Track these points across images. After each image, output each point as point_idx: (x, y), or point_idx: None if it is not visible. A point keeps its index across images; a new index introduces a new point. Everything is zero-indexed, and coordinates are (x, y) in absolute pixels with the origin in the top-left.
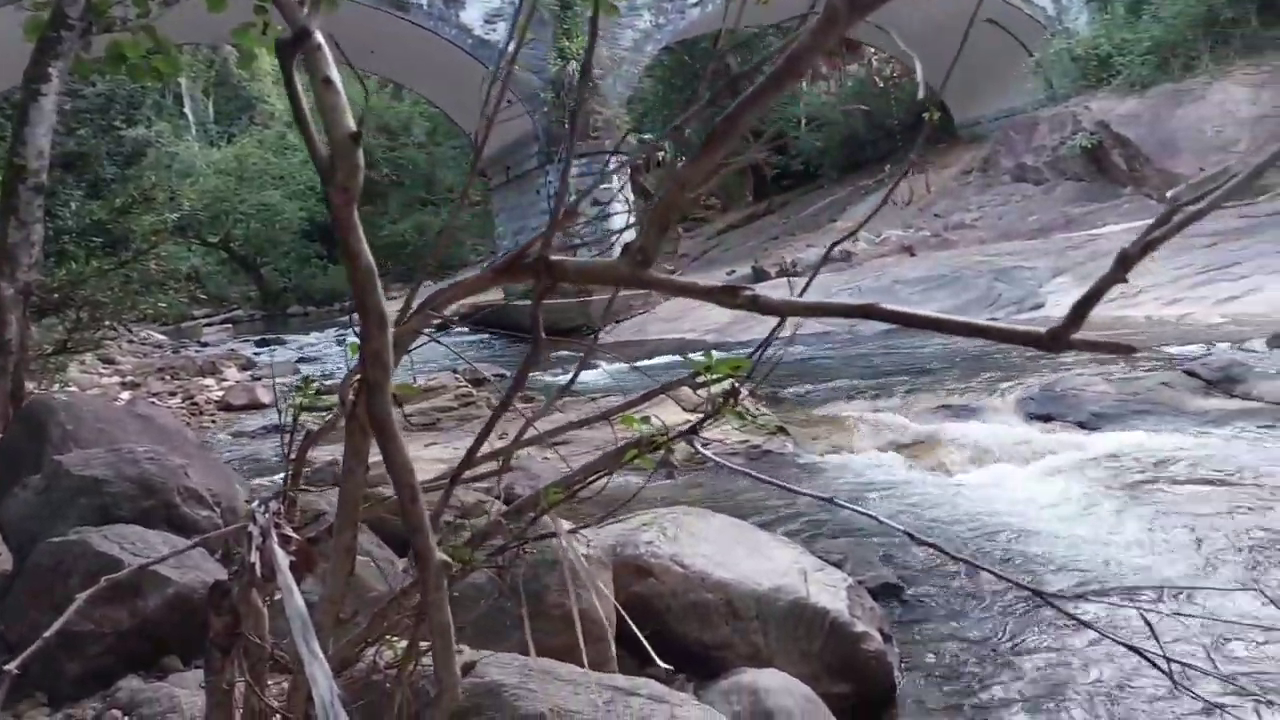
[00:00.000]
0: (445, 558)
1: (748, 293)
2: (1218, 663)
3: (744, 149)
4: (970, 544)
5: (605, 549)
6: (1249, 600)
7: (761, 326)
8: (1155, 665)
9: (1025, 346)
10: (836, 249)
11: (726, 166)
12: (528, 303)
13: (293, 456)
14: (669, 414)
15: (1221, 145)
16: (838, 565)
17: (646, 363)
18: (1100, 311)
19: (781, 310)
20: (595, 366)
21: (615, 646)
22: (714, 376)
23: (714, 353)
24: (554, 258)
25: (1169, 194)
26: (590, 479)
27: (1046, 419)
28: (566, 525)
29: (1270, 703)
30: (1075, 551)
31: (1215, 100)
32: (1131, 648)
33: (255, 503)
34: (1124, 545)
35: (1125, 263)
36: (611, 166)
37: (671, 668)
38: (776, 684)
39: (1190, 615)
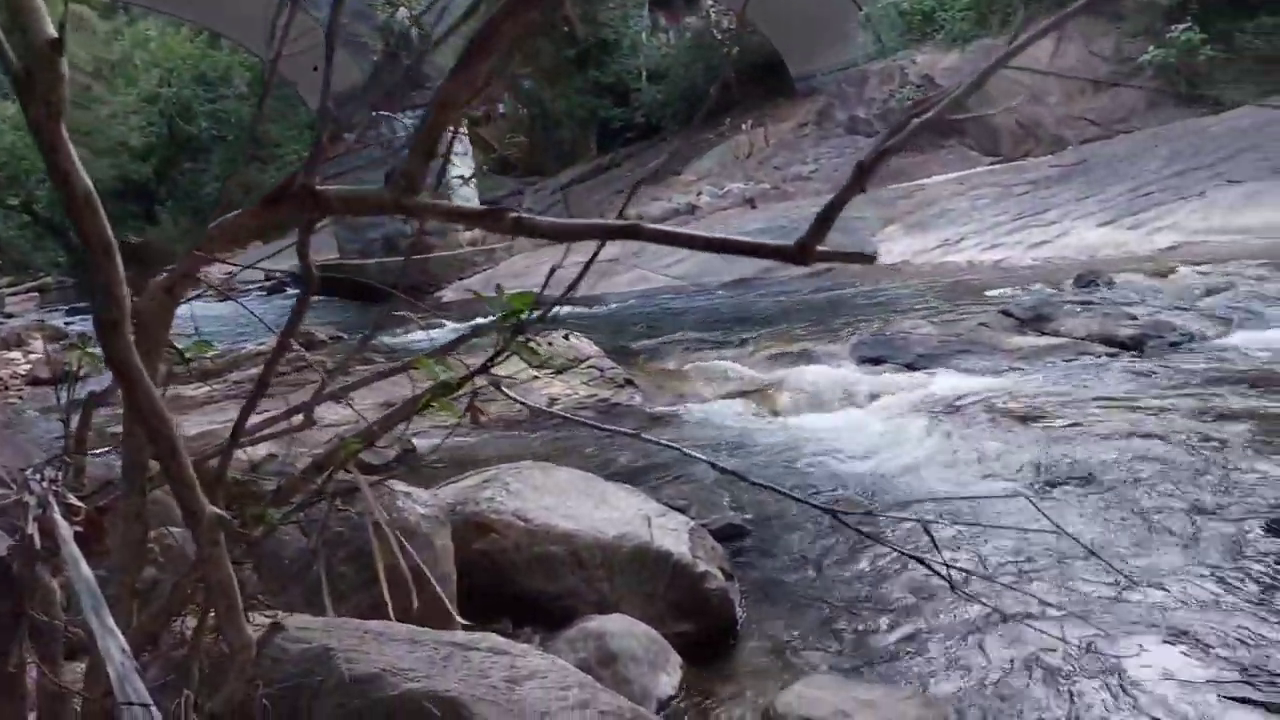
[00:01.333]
0: (219, 512)
1: (512, 214)
2: (990, 565)
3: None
4: (801, 478)
5: (444, 507)
6: (1019, 506)
7: (607, 282)
8: (935, 572)
9: (777, 260)
10: (681, 202)
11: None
12: (366, 260)
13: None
14: (511, 371)
15: (1033, 97)
16: (682, 510)
17: (485, 320)
18: (926, 257)
19: (545, 232)
20: (440, 326)
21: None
22: (513, 316)
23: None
24: (319, 187)
25: (908, 103)
26: (390, 428)
27: (878, 362)
28: (368, 478)
29: (1024, 592)
30: (896, 479)
31: (1028, 54)
32: (917, 558)
33: (30, 470)
34: (937, 470)
35: (862, 172)
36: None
37: (458, 616)
38: (621, 628)
39: (970, 524)
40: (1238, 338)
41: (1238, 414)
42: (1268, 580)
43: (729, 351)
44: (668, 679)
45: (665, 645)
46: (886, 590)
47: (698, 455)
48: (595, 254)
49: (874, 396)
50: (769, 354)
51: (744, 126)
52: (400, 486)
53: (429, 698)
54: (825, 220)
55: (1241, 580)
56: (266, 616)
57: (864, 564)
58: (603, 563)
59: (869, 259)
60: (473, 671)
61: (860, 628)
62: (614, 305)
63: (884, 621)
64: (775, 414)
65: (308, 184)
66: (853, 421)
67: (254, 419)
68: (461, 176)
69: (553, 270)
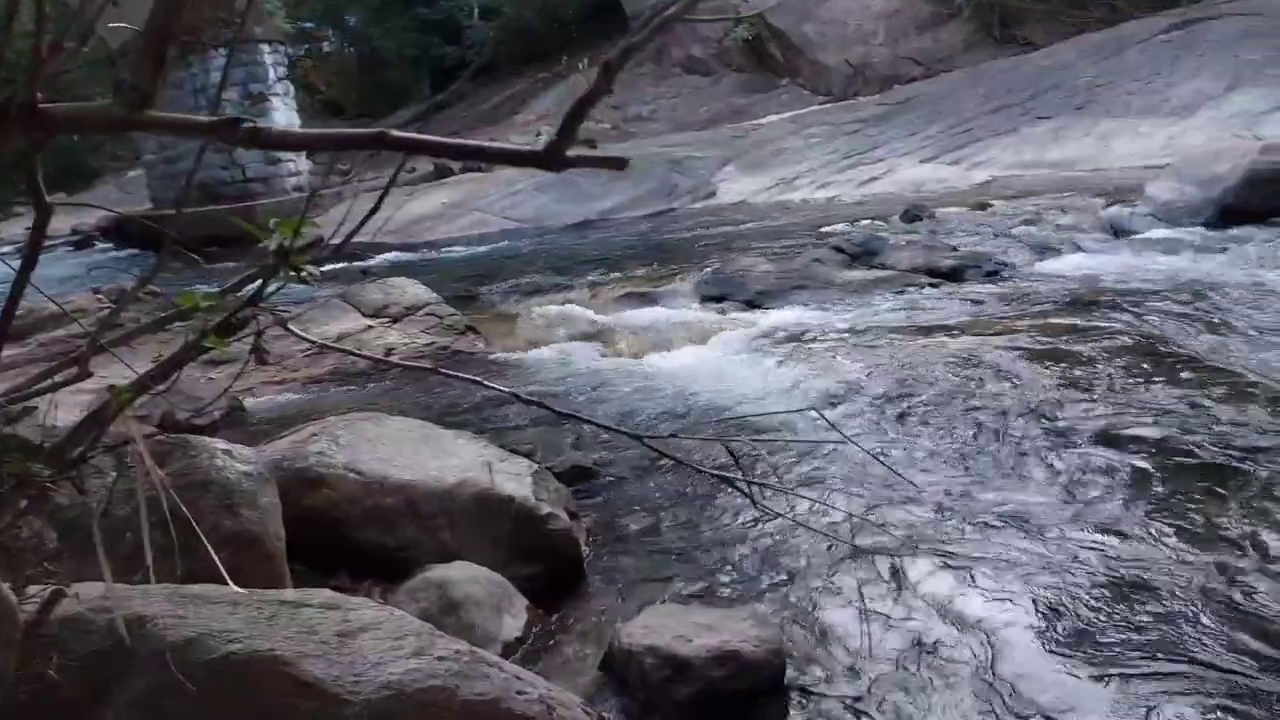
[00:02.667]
0: None
1: (246, 125)
2: (787, 477)
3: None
4: (636, 413)
5: (270, 464)
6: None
7: (446, 226)
8: (736, 488)
9: (528, 166)
10: (520, 143)
11: None
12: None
13: None
14: (346, 323)
15: (861, 38)
16: (528, 455)
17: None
18: (763, 196)
19: (281, 142)
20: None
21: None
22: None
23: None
24: (43, 105)
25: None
26: (166, 375)
27: (719, 300)
28: (144, 430)
29: (807, 498)
30: (725, 408)
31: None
32: (719, 475)
33: None
34: (767, 398)
35: (608, 72)
36: (266, 58)
37: (228, 578)
38: (463, 575)
39: (770, 440)
40: (1046, 265)
41: (1045, 335)
42: (1065, 491)
43: (573, 294)
44: (513, 621)
45: (510, 589)
46: (724, 516)
47: (498, 387)
48: (386, 190)
49: (715, 333)
50: (613, 295)
51: (580, 66)
52: (220, 444)
53: (251, 658)
54: (571, 124)
55: (1041, 492)
56: (59, 585)
57: (703, 494)
58: (442, 511)
59: (620, 164)
60: (301, 628)
61: (701, 555)
62: (452, 250)
63: (722, 546)
64: (619, 355)
65: (28, 101)
66: (693, 358)
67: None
68: (254, 91)
69: (312, 194)
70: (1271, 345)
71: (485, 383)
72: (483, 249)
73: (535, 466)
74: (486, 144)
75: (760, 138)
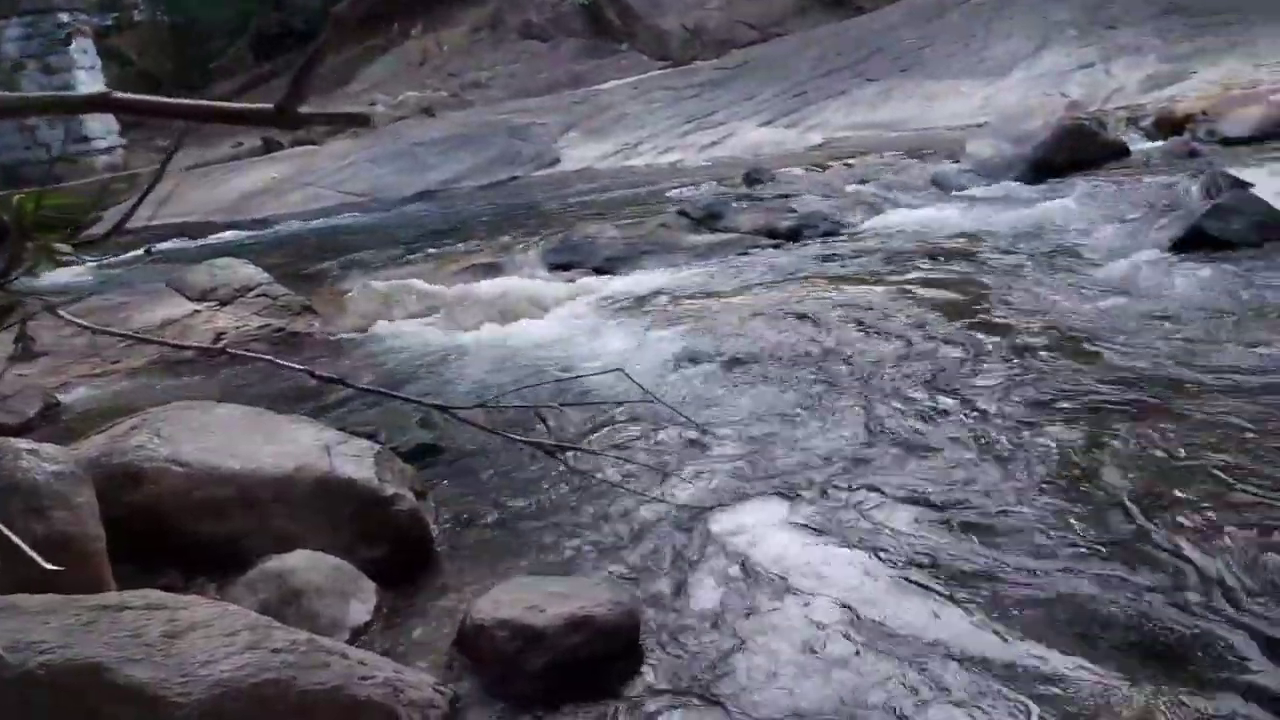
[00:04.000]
0: None
1: None
2: (611, 440)
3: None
4: (471, 387)
5: (84, 462)
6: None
7: (277, 202)
8: (548, 451)
9: (262, 125)
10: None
11: None
12: None
13: None
14: (171, 308)
15: (697, 2)
16: (370, 436)
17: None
18: (608, 162)
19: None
20: (78, 262)
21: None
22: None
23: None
24: None
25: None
26: None
27: (567, 267)
28: None
29: (621, 459)
30: (563, 374)
31: None
32: (528, 442)
33: None
34: (599, 360)
35: (337, 25)
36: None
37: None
38: (303, 563)
39: (587, 404)
40: (877, 222)
41: (876, 289)
42: (896, 442)
43: (416, 268)
44: (360, 606)
45: (355, 573)
46: (574, 486)
47: (292, 365)
48: (162, 167)
49: (561, 301)
50: (458, 268)
51: (413, 32)
52: (24, 444)
53: (66, 668)
54: (301, 80)
55: (872, 442)
56: None
57: (553, 466)
58: (278, 499)
59: (364, 120)
60: (123, 632)
61: (552, 526)
62: (286, 227)
63: (572, 516)
64: (461, 328)
65: None
66: (538, 327)
67: None
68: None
69: (52, 163)
70: (1076, 292)
71: (278, 361)
72: (318, 224)
73: (377, 448)
74: (217, 104)
75: (602, 103)
